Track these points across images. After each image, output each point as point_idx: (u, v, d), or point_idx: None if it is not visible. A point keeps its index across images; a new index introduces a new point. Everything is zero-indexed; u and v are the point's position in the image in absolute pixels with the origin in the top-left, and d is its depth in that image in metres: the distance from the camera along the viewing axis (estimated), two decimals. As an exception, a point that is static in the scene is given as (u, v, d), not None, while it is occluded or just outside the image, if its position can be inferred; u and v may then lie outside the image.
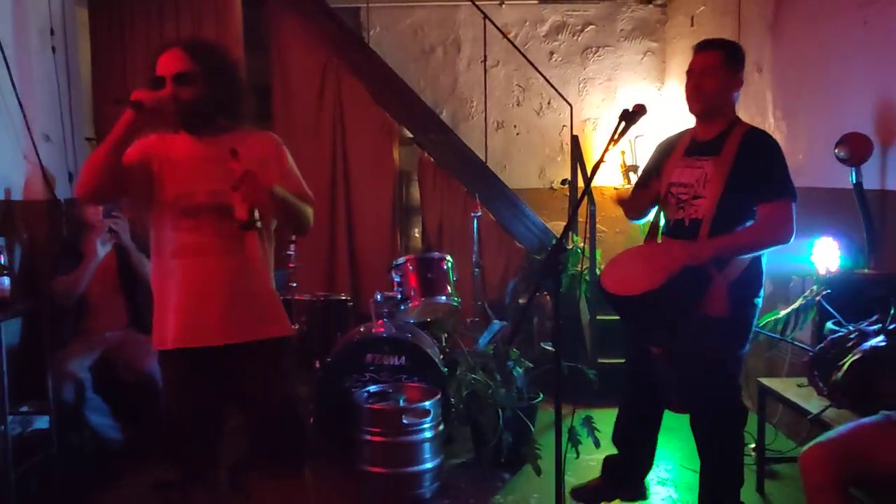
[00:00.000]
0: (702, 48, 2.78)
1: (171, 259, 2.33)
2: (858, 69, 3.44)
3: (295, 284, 4.23)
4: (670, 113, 6.01)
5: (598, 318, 4.81)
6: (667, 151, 2.91)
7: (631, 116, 2.58)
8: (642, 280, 2.57)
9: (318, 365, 4.03)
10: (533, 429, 3.63)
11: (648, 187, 2.91)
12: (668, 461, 3.76)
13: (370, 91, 5.39)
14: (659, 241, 2.94)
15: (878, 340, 2.35)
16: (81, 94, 4.79)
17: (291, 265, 4.21)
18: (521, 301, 5.30)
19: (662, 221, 2.94)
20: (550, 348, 3.91)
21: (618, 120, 2.60)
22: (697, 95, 2.73)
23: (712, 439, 2.84)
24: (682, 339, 2.66)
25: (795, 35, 4.04)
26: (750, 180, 2.63)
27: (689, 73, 2.76)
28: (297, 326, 4.16)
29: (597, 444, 3.36)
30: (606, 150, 2.54)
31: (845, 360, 2.33)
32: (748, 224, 2.69)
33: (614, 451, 3.23)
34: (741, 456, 2.90)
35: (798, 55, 4.01)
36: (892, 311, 2.46)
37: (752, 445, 3.51)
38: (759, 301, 2.79)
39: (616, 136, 2.56)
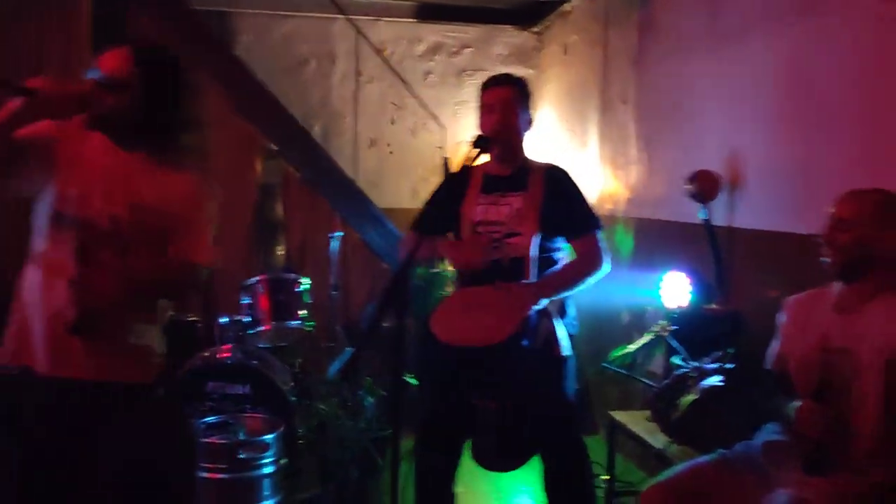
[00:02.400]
0: (498, 83, 2.70)
1: (36, 268, 2.05)
2: (711, 109, 3.53)
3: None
4: (543, 139, 6.06)
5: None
6: (456, 191, 2.72)
7: (485, 143, 2.54)
8: (495, 328, 2.42)
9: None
10: (382, 462, 3.47)
11: (438, 231, 2.74)
12: (514, 494, 3.71)
13: (234, 101, 5.13)
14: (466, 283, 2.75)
15: (716, 380, 2.35)
16: None
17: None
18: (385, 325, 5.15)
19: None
20: (409, 378, 3.78)
21: (472, 146, 2.55)
22: (507, 130, 2.62)
23: (570, 484, 2.70)
24: (526, 386, 2.52)
25: (656, 71, 4.13)
26: (561, 216, 2.62)
27: (489, 107, 2.65)
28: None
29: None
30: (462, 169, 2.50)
31: (683, 399, 2.32)
32: (558, 258, 2.67)
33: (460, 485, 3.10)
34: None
35: (659, 91, 4.10)
36: (730, 351, 2.47)
37: (605, 477, 3.50)
38: (575, 336, 2.76)
39: (470, 163, 2.51)
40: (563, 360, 2.59)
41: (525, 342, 2.44)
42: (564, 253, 2.71)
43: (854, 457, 2.06)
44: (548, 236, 2.61)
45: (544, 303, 2.51)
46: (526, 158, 2.72)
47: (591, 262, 2.62)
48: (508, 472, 2.96)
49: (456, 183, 2.76)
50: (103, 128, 2.06)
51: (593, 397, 4.79)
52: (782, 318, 2.38)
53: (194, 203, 2.15)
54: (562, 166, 2.82)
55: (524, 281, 2.56)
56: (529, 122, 2.71)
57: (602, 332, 4.63)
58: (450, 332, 2.47)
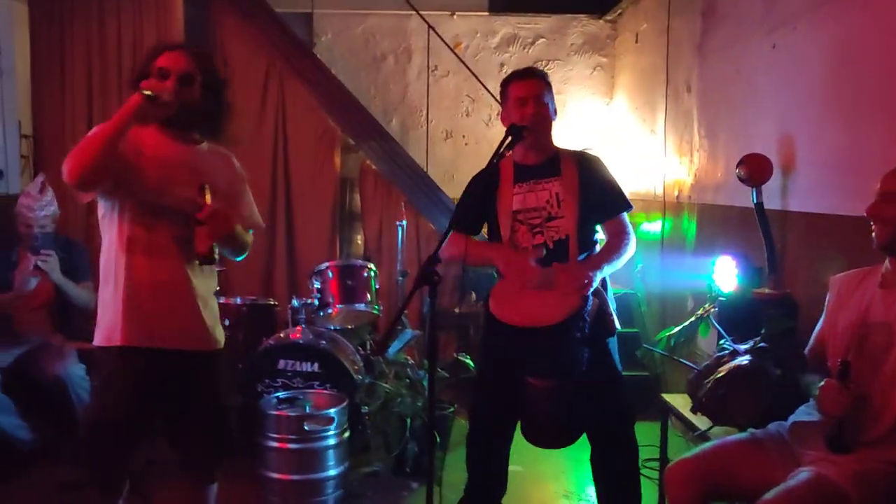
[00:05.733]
0: (526, 76, 2.77)
1: (122, 252, 2.32)
2: (767, 92, 3.50)
3: (218, 288, 4.21)
4: (618, 127, 6.07)
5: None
6: (487, 185, 2.76)
7: (519, 131, 2.64)
8: (555, 308, 2.49)
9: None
10: (439, 439, 3.64)
11: (477, 227, 2.81)
12: (572, 474, 3.79)
13: (314, 97, 5.41)
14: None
15: (743, 359, 2.38)
16: (14, 90, 4.77)
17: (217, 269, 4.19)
18: (457, 310, 5.35)
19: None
20: (466, 360, 3.94)
21: (506, 133, 2.65)
22: (543, 120, 2.70)
23: (618, 460, 2.80)
24: (584, 364, 2.56)
25: (717, 56, 4.10)
26: (597, 199, 2.70)
27: (520, 100, 2.69)
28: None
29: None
30: (491, 162, 2.60)
31: (710, 378, 2.37)
32: (595, 239, 2.77)
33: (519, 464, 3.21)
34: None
35: (719, 76, 4.07)
36: (762, 331, 2.50)
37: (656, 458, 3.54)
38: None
39: (502, 150, 2.60)
40: (614, 334, 2.70)
41: (583, 320, 2.52)
42: (597, 235, 2.81)
43: (877, 434, 2.08)
44: (587, 218, 2.70)
45: (597, 281, 2.59)
46: (555, 147, 2.81)
47: (627, 240, 2.70)
48: (559, 449, 3.01)
49: (486, 178, 2.80)
50: (176, 123, 2.32)
51: (655, 381, 4.81)
52: (829, 296, 2.40)
53: (241, 177, 2.53)
54: (592, 153, 2.91)
55: (572, 261, 2.63)
56: (555, 112, 2.80)
57: (668, 316, 4.64)
58: (511, 313, 2.55)
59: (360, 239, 6.12)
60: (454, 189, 5.84)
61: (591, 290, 2.54)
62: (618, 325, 2.72)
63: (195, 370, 2.41)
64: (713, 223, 4.10)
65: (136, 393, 2.33)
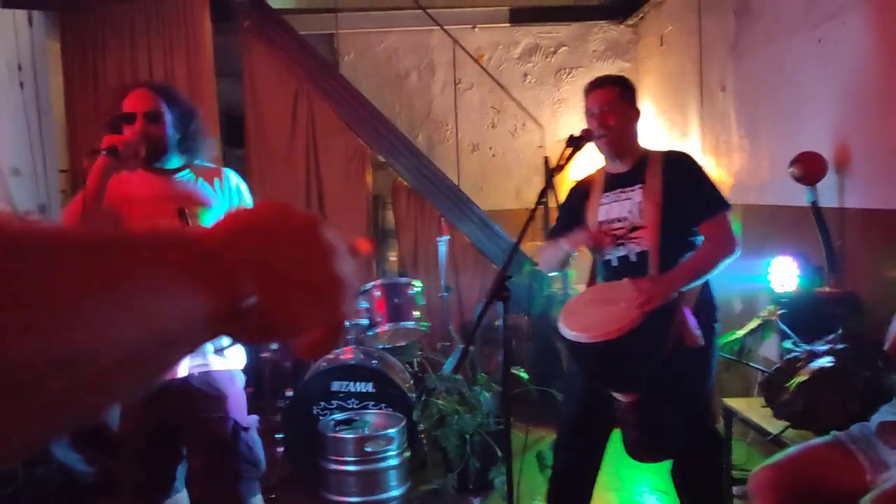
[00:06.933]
0: (597, 85, 2.71)
1: None
2: (814, 88, 3.47)
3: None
4: (645, 132, 6.03)
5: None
6: (581, 196, 2.77)
7: (578, 141, 2.61)
8: (617, 322, 2.39)
9: (290, 392, 4.02)
10: (500, 453, 3.61)
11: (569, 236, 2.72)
12: (642, 485, 3.75)
13: (342, 117, 5.43)
14: (599, 281, 2.80)
15: (826, 361, 2.35)
16: (53, 127, 4.82)
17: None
18: (496, 323, 5.31)
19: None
20: (520, 373, 3.91)
21: (565, 145, 2.63)
22: (607, 130, 2.62)
23: (696, 478, 2.71)
24: (661, 379, 2.47)
25: (755, 54, 4.08)
26: (685, 201, 2.55)
27: (591, 111, 2.66)
28: (268, 354, 4.16)
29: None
30: (553, 175, 2.58)
31: (792, 381, 2.33)
32: (698, 243, 2.62)
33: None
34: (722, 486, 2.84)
35: (758, 74, 4.04)
36: (839, 331, 2.46)
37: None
38: (719, 326, 2.72)
39: (563, 162, 2.58)
40: (697, 351, 2.53)
41: (656, 335, 2.42)
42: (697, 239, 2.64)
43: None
44: (675, 224, 2.56)
45: (673, 295, 2.46)
46: (643, 150, 2.71)
47: (719, 245, 2.53)
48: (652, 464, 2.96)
49: (579, 189, 2.81)
50: (152, 160, 2.39)
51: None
52: None
53: (229, 191, 2.49)
54: (682, 150, 2.79)
55: (652, 273, 2.53)
56: (637, 115, 2.71)
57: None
58: (573, 325, 2.48)
59: (393, 255, 6.11)
60: (484, 201, 5.83)
61: (656, 305, 2.39)
62: (701, 339, 2.53)
63: (175, 393, 2.39)
64: (760, 224, 4.06)
65: (141, 417, 2.40)
